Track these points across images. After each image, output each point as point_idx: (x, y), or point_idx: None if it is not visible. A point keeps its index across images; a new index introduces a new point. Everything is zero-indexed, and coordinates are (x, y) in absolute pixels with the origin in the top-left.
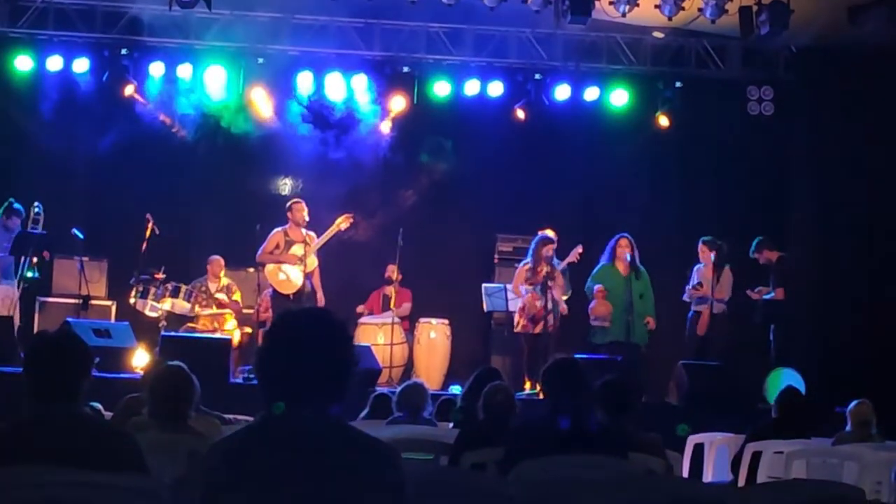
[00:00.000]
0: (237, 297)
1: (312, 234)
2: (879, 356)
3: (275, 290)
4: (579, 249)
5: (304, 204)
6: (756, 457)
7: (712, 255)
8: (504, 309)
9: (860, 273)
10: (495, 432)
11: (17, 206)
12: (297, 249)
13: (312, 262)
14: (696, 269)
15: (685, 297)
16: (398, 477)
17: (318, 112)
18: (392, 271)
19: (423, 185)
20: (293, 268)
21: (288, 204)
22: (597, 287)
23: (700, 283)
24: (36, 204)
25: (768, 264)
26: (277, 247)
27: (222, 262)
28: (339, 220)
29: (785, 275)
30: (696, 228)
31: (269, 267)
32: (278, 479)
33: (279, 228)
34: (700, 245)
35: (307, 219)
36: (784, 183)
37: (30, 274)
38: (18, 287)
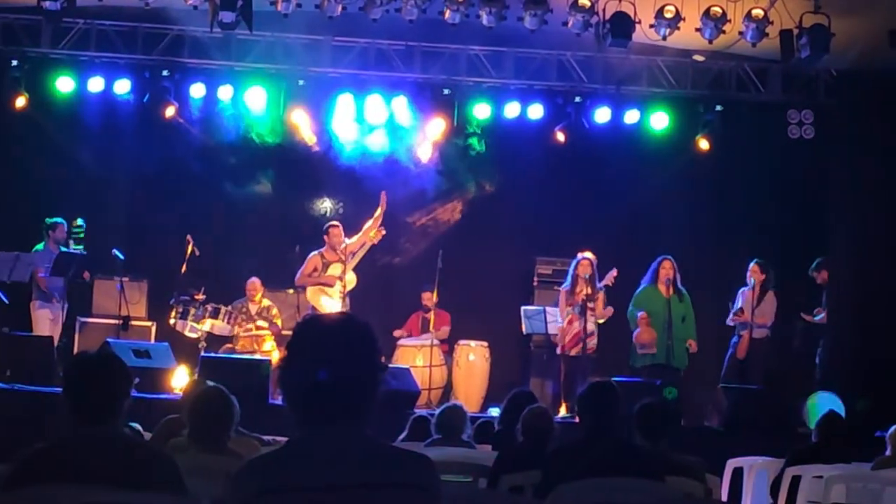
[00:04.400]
0: (277, 319)
1: (348, 241)
2: None
3: (315, 311)
4: (614, 273)
5: (340, 228)
6: (795, 481)
7: (763, 278)
8: (543, 331)
9: None
10: (534, 455)
11: (52, 221)
12: (333, 270)
13: (352, 279)
14: (740, 291)
15: (728, 322)
16: (434, 486)
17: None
18: (428, 299)
19: (463, 207)
20: (333, 288)
21: (325, 227)
22: (640, 314)
23: (741, 309)
24: (79, 220)
25: (824, 285)
26: (315, 269)
27: (259, 283)
28: (369, 225)
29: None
30: (736, 251)
31: (311, 289)
32: (312, 499)
33: (316, 252)
34: (753, 265)
35: (344, 242)
36: (824, 206)
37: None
38: (64, 309)
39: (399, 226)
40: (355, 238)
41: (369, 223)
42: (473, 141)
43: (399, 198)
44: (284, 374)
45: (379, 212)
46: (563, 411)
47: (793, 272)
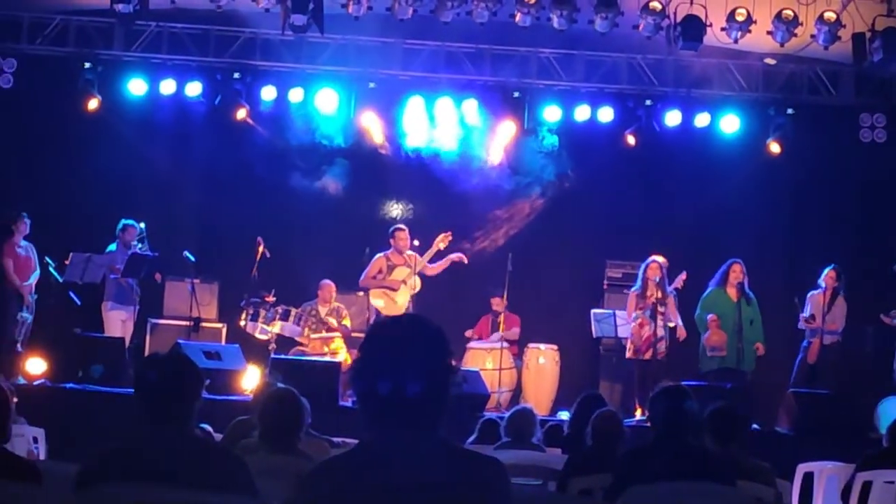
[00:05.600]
0: (347, 321)
1: (416, 255)
2: None
3: (381, 314)
4: (683, 276)
5: (406, 231)
6: (866, 487)
7: (836, 285)
8: (613, 335)
9: None
10: (603, 458)
11: (124, 223)
12: (398, 273)
13: (416, 283)
14: (809, 295)
15: (800, 326)
16: (505, 489)
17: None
18: (497, 304)
19: (533, 210)
20: (397, 292)
21: (390, 230)
22: (710, 316)
23: (812, 315)
24: (141, 224)
25: None
26: (380, 272)
27: (333, 286)
28: (438, 239)
29: None
30: (807, 255)
31: (374, 291)
32: (383, 501)
33: (381, 254)
34: (829, 271)
35: (409, 245)
36: None
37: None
38: (136, 310)
39: (469, 224)
40: (425, 257)
41: (428, 255)
42: (545, 133)
43: (470, 197)
44: (357, 378)
45: (442, 240)
46: (638, 415)
47: (864, 276)
